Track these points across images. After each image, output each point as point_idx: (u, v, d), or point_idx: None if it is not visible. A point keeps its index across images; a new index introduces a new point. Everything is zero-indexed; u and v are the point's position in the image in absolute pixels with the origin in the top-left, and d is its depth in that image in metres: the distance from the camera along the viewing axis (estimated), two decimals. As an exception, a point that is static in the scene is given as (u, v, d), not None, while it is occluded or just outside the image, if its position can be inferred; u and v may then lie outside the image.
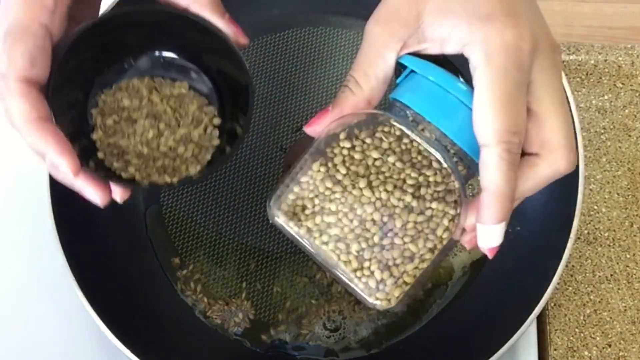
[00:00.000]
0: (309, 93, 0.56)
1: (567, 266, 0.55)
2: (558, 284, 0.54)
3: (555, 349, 0.53)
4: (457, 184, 0.35)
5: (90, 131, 0.42)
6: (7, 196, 0.58)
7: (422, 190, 0.34)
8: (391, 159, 0.35)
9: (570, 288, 0.55)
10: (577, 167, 0.44)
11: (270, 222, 0.36)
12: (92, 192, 0.37)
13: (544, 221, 0.52)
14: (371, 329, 0.52)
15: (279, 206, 0.36)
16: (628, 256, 0.56)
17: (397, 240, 0.34)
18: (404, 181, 0.35)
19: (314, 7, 0.57)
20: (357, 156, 0.35)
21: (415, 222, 0.34)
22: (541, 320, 0.55)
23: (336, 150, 0.35)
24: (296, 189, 0.36)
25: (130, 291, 0.52)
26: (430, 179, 0.35)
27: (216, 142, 0.44)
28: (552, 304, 0.54)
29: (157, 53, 0.44)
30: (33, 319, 0.55)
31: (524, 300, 0.49)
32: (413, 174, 0.35)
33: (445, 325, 0.52)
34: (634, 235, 0.56)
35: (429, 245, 0.35)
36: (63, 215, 0.48)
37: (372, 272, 0.34)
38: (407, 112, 0.36)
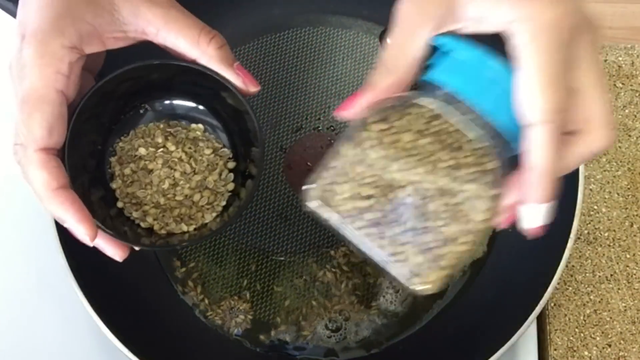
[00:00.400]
0: (309, 93, 0.56)
1: (567, 266, 0.55)
2: (558, 284, 0.54)
3: (555, 349, 0.53)
4: (494, 164, 0.34)
5: (109, 179, 0.44)
6: (7, 196, 0.58)
7: (456, 172, 0.34)
8: (423, 141, 0.34)
9: (570, 288, 0.55)
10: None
11: (305, 209, 0.35)
12: (110, 251, 0.40)
13: (544, 221, 0.52)
14: (371, 329, 0.52)
15: (311, 192, 0.35)
16: (628, 256, 0.56)
17: (432, 224, 0.34)
18: (437, 163, 0.34)
19: (314, 7, 0.57)
20: (388, 139, 0.34)
21: (450, 205, 0.34)
22: (541, 320, 0.55)
23: (365, 134, 0.35)
24: (327, 174, 0.35)
25: (131, 291, 0.52)
26: (464, 161, 0.34)
27: (231, 186, 0.44)
28: (552, 304, 0.54)
29: (171, 99, 0.45)
30: (33, 319, 0.55)
31: (524, 300, 0.49)
32: (446, 156, 0.34)
33: (445, 325, 0.52)
34: (634, 235, 0.56)
35: (464, 227, 0.34)
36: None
37: (408, 257, 0.34)
38: (439, 92, 0.35)
